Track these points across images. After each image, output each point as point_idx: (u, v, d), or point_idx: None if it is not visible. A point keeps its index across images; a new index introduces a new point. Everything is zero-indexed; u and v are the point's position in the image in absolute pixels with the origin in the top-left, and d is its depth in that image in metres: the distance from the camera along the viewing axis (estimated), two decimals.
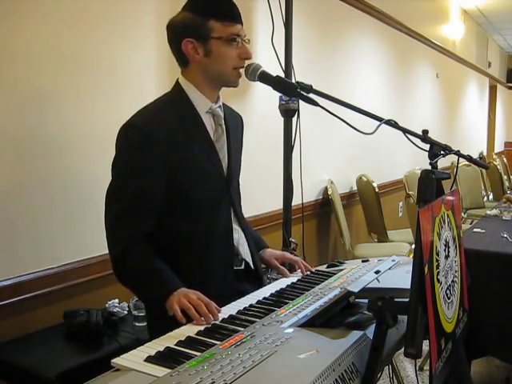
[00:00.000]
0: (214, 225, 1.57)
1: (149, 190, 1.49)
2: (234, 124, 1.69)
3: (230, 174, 1.62)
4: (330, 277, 1.63)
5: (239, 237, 1.64)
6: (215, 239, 1.57)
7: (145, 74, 2.48)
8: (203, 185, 1.54)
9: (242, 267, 1.64)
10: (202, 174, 1.54)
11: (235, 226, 1.63)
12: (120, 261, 1.48)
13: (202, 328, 1.27)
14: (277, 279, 1.75)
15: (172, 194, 1.51)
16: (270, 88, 1.53)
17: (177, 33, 1.53)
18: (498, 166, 6.86)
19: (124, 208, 1.49)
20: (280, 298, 1.48)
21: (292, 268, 1.79)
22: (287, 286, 1.60)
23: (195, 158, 1.52)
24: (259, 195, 3.25)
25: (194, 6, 1.52)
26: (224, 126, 1.61)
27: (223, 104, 1.65)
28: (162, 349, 1.14)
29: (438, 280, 1.16)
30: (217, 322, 1.30)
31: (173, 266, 1.49)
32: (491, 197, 7.25)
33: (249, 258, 1.65)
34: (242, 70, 1.55)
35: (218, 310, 1.35)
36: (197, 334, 1.23)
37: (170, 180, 1.49)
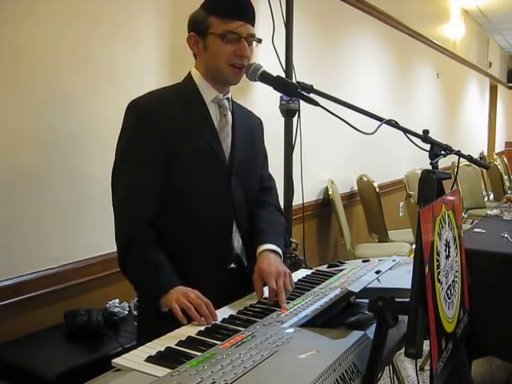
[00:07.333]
0: (213, 216, 1.55)
1: (148, 165, 1.48)
2: (247, 123, 1.68)
3: (233, 165, 1.58)
4: (331, 277, 1.63)
5: (234, 231, 1.60)
6: (213, 231, 1.54)
7: (146, 73, 2.48)
8: (202, 170, 1.53)
9: (235, 266, 1.59)
10: (202, 160, 1.52)
11: (234, 221, 1.61)
12: (123, 251, 1.47)
13: (202, 328, 1.27)
14: None
15: (171, 179, 1.50)
16: (271, 88, 1.53)
17: (188, 27, 1.58)
18: (499, 166, 6.86)
19: (125, 186, 1.48)
20: None
21: (292, 266, 1.78)
22: None
23: (195, 141, 1.51)
24: None
25: (204, 3, 1.56)
26: (230, 118, 1.61)
27: (241, 105, 1.68)
28: (162, 349, 1.13)
29: (439, 280, 1.16)
30: (217, 322, 1.30)
31: (169, 261, 1.46)
32: (492, 197, 7.25)
33: (242, 255, 1.61)
34: (241, 69, 1.53)
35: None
36: (197, 334, 1.22)
37: (169, 163, 1.49)
